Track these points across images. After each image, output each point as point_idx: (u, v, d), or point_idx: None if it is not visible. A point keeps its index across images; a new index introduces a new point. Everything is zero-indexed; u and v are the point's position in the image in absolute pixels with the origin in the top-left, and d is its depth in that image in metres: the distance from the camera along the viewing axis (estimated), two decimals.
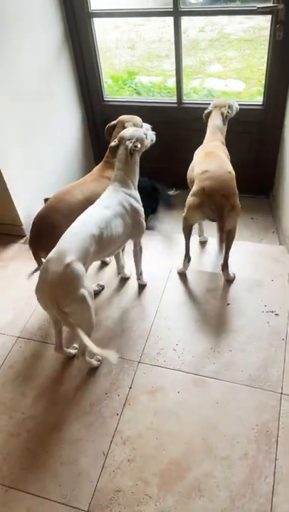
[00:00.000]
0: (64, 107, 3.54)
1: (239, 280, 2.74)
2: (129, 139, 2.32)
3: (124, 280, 2.84)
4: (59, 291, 1.94)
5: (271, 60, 3.11)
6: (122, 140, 2.35)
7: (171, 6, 3.05)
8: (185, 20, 3.17)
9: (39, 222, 2.41)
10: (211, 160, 2.56)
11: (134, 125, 2.58)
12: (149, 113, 3.51)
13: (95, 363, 2.33)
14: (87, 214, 2.19)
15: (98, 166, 2.64)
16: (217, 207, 2.35)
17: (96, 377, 2.31)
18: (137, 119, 2.66)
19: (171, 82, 5.02)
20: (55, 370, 2.37)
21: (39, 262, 2.40)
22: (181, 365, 2.30)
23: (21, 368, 2.40)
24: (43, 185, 3.31)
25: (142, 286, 2.77)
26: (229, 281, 2.72)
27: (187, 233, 2.65)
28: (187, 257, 2.78)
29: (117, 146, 2.35)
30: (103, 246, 2.16)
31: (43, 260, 2.07)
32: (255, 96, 4.30)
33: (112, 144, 2.37)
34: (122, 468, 1.95)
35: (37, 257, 2.41)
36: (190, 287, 2.76)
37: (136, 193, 2.38)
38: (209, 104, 2.95)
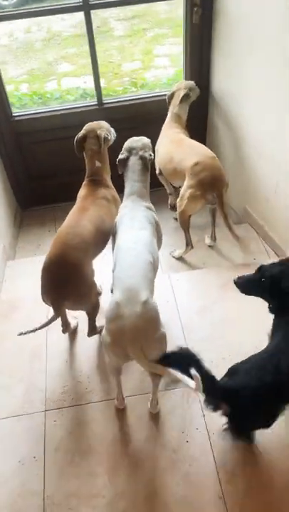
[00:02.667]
0: None
1: None
2: (141, 149, 2.14)
3: None
4: (143, 334, 1.67)
5: (190, 44, 3.05)
6: (132, 151, 2.15)
7: (80, 0, 2.76)
8: (5, 24, 3.34)
9: (57, 265, 1.97)
10: (190, 149, 2.74)
11: (107, 130, 2.36)
12: (69, 119, 3.20)
13: None
14: (130, 241, 1.91)
15: (85, 188, 2.28)
16: (217, 193, 2.61)
17: (163, 418, 2.07)
18: (106, 124, 2.41)
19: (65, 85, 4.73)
20: (111, 430, 2.04)
21: (62, 314, 2.01)
22: None
23: (70, 446, 2.01)
24: None
25: None
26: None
27: (187, 226, 2.80)
28: (190, 245, 2.89)
29: (127, 158, 2.13)
30: (155, 270, 1.93)
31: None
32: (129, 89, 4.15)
33: (122, 156, 2.15)
34: None
35: (60, 308, 2.02)
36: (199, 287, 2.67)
37: (152, 206, 2.20)
38: (133, 99, 2.94)
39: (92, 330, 2.31)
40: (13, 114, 3.24)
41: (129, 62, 6.34)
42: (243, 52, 2.80)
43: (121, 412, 2.10)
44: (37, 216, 3.68)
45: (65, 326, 2.38)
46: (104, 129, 2.34)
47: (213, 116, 3.40)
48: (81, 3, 2.78)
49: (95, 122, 2.40)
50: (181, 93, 2.95)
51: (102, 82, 5.83)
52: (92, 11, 2.83)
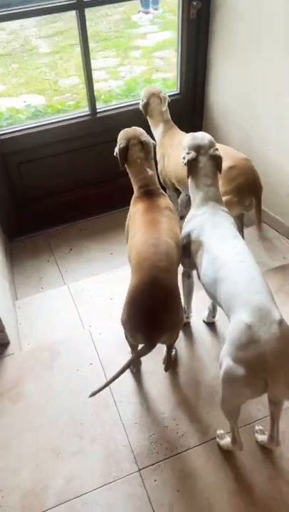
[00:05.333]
0: None
1: None
2: (210, 147, 1.86)
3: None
4: (286, 361, 1.40)
5: (187, 40, 2.86)
6: (200, 150, 1.85)
7: None
8: None
9: (152, 293, 1.62)
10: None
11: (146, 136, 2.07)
12: (60, 132, 2.87)
13: None
14: (231, 252, 1.66)
15: (142, 201, 1.92)
16: (255, 198, 2.42)
17: (281, 451, 1.80)
18: (140, 129, 2.11)
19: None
20: (225, 476, 1.74)
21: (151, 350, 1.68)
22: None
23: (185, 506, 1.67)
24: None
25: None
26: None
27: None
28: None
29: (195, 159, 1.83)
30: None
31: None
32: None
33: (190, 156, 1.84)
34: None
35: (156, 343, 1.68)
36: None
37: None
38: (128, 105, 2.71)
39: (171, 361, 2.00)
40: None
41: (65, 78, 6.12)
42: (250, 48, 2.67)
43: (227, 451, 1.80)
44: (29, 246, 3.23)
45: (138, 364, 2.04)
46: (144, 134, 2.05)
47: (213, 120, 3.23)
48: (74, 1, 2.47)
49: (127, 129, 2.09)
50: (162, 96, 2.70)
51: (43, 100, 5.57)
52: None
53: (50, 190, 3.13)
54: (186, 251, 1.85)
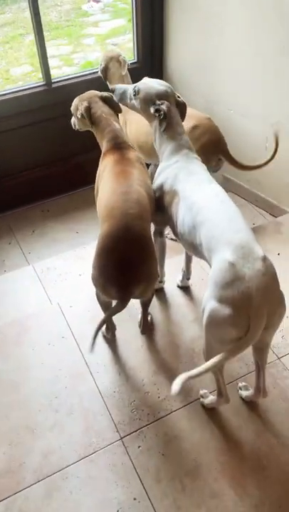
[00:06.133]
0: None
1: None
2: (173, 94, 1.77)
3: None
4: (271, 296, 1.36)
5: (141, 5, 2.79)
6: (169, 99, 1.73)
7: None
8: None
9: (124, 240, 1.53)
10: None
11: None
12: (13, 105, 2.73)
13: None
14: (209, 195, 1.59)
15: (113, 153, 1.79)
16: (223, 154, 2.33)
17: (266, 403, 1.75)
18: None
19: None
20: (211, 435, 1.67)
21: (125, 306, 1.58)
22: None
23: (173, 470, 1.59)
24: None
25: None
26: None
27: None
28: None
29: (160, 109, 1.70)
30: None
31: None
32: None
33: (166, 105, 1.69)
34: None
35: (130, 297, 1.58)
36: None
37: None
38: (85, 74, 2.62)
39: (148, 324, 1.92)
40: None
41: (17, 67, 5.94)
42: (208, 11, 2.62)
43: (211, 410, 1.73)
44: None
45: (113, 328, 1.94)
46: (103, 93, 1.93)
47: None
48: None
49: (82, 94, 1.98)
50: (122, 60, 2.62)
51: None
52: None
53: (6, 169, 2.97)
54: (159, 205, 1.76)
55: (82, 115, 1.88)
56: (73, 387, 1.83)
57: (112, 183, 1.69)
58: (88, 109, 1.88)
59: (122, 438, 1.67)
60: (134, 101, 1.77)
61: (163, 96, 1.73)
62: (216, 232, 1.45)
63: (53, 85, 2.81)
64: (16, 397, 1.80)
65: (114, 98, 1.86)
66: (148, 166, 3.00)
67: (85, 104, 1.89)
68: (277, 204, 2.88)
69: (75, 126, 2.09)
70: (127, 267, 1.53)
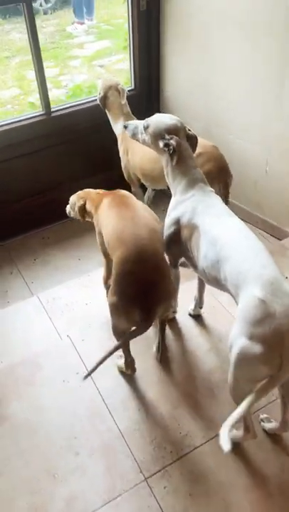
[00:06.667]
0: None
1: None
2: (184, 128, 1.76)
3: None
4: None
5: (138, 34, 2.81)
6: (179, 133, 1.72)
7: None
8: None
9: (144, 261, 1.59)
10: None
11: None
12: (13, 135, 2.71)
13: None
14: (232, 229, 1.59)
15: (103, 203, 1.92)
16: (223, 185, 2.31)
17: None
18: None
19: None
20: (238, 471, 1.63)
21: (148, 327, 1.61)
22: None
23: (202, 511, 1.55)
24: None
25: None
26: None
27: None
28: None
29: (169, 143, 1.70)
30: None
31: None
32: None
33: (176, 140, 1.69)
34: None
35: (154, 317, 1.62)
36: None
37: None
38: (83, 103, 2.67)
39: (166, 348, 1.95)
40: None
41: (5, 90, 5.94)
42: (204, 37, 2.66)
43: (237, 446, 1.70)
44: None
45: (132, 363, 1.91)
46: None
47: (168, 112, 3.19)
48: None
49: None
50: (121, 89, 2.64)
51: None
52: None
53: (6, 197, 2.94)
54: (174, 239, 1.75)
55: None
56: (92, 426, 1.78)
57: (115, 214, 1.76)
58: (83, 207, 2.06)
59: (146, 479, 1.63)
60: (144, 136, 1.77)
61: (172, 130, 1.72)
62: (243, 268, 1.44)
63: (52, 114, 2.80)
64: (33, 442, 1.75)
65: (128, 134, 1.86)
66: (144, 191, 3.01)
67: (81, 202, 2.06)
68: (277, 225, 2.90)
69: (69, 214, 2.26)
70: (148, 288, 1.57)
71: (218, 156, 2.35)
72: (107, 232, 1.79)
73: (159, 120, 1.76)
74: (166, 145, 1.69)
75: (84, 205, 2.04)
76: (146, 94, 3.06)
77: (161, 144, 1.71)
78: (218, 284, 1.60)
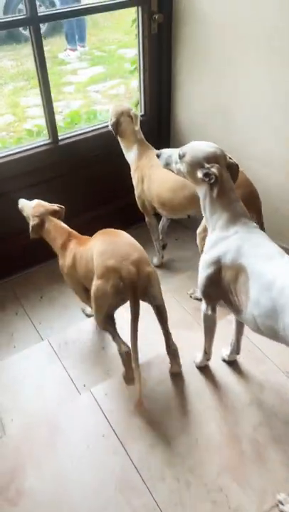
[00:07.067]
0: None
1: None
2: (225, 157, 1.57)
3: None
4: None
5: (149, 58, 2.66)
6: (219, 161, 1.53)
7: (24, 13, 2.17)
8: None
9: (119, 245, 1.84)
10: None
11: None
12: (18, 166, 2.52)
13: None
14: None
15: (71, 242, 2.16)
16: (255, 211, 2.17)
17: None
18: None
19: None
20: None
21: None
22: None
23: None
24: None
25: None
26: None
27: None
28: None
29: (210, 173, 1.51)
30: None
31: None
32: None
33: (217, 169, 1.49)
34: None
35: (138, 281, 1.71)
36: None
37: None
38: (93, 130, 2.62)
39: (176, 348, 1.92)
40: None
41: None
42: (218, 61, 2.52)
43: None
44: None
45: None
46: None
47: (182, 140, 3.03)
48: (28, 16, 2.18)
49: None
50: (134, 114, 2.49)
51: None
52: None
53: (11, 230, 2.71)
54: (213, 279, 1.55)
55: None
56: (125, 501, 1.53)
57: (86, 249, 1.99)
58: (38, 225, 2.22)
59: None
60: (179, 165, 1.58)
61: (212, 158, 1.53)
62: None
63: (60, 143, 2.62)
64: None
65: (160, 162, 1.67)
66: (159, 220, 2.82)
67: (37, 220, 2.21)
68: None
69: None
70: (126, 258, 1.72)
71: (247, 182, 2.17)
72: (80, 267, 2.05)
73: (196, 148, 1.57)
74: (207, 175, 1.50)
75: (38, 223, 2.21)
76: (157, 121, 2.90)
77: (200, 174, 1.52)
78: (274, 334, 1.39)
